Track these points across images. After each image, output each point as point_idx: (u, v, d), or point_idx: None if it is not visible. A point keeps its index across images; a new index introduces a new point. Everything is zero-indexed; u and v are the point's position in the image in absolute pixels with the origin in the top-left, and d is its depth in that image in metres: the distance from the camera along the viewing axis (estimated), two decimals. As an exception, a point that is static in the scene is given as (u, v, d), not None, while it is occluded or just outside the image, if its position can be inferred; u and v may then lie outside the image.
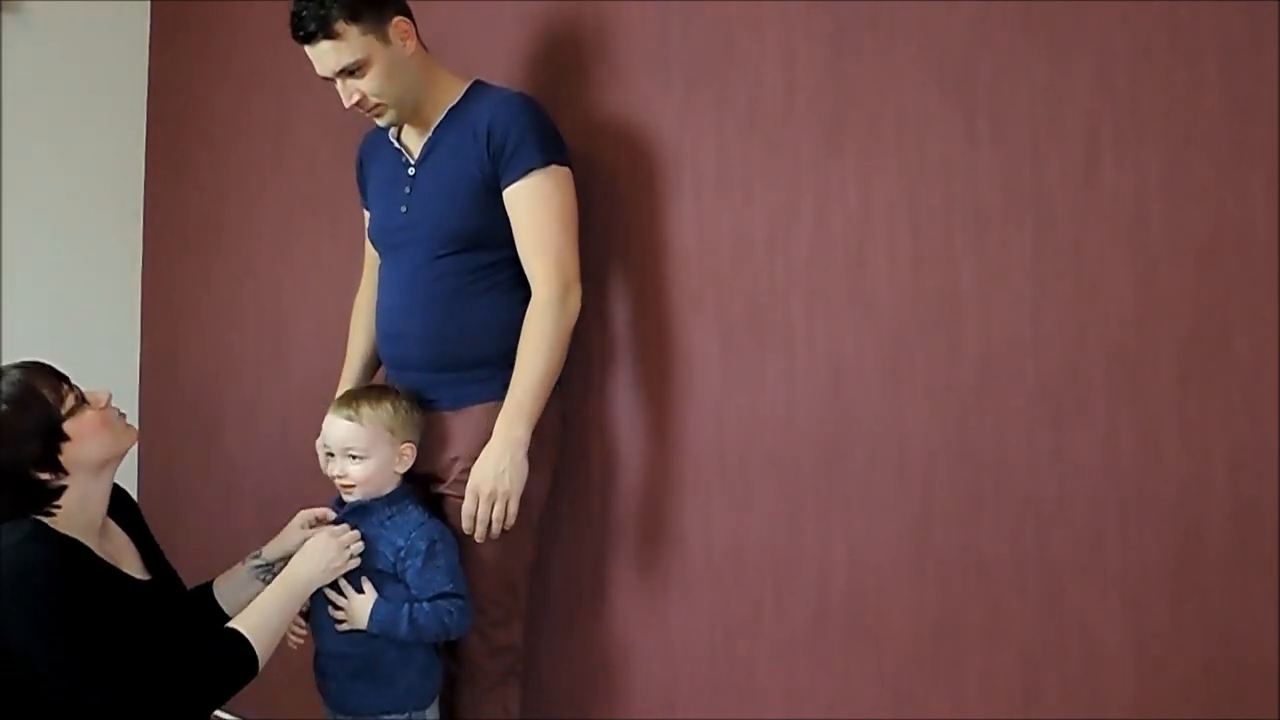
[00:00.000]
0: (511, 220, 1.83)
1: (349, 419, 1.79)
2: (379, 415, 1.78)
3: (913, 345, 1.64)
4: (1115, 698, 1.46)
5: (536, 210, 1.82)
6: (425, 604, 1.75)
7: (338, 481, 1.81)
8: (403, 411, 1.81)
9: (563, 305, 1.81)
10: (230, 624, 1.67)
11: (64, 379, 1.65)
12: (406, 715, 1.80)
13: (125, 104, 3.07)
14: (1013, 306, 1.54)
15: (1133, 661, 1.44)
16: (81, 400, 1.65)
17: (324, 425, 1.83)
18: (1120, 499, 1.45)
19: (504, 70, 2.11)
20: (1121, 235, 1.45)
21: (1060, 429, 1.50)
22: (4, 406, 1.58)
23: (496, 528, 1.76)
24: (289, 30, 1.82)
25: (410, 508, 1.81)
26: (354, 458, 1.78)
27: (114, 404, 1.71)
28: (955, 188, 1.60)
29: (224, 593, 1.86)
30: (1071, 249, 1.49)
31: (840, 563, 1.71)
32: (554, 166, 1.83)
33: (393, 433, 1.79)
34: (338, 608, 1.78)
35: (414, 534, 1.77)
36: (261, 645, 1.65)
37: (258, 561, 1.88)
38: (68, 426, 1.61)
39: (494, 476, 1.75)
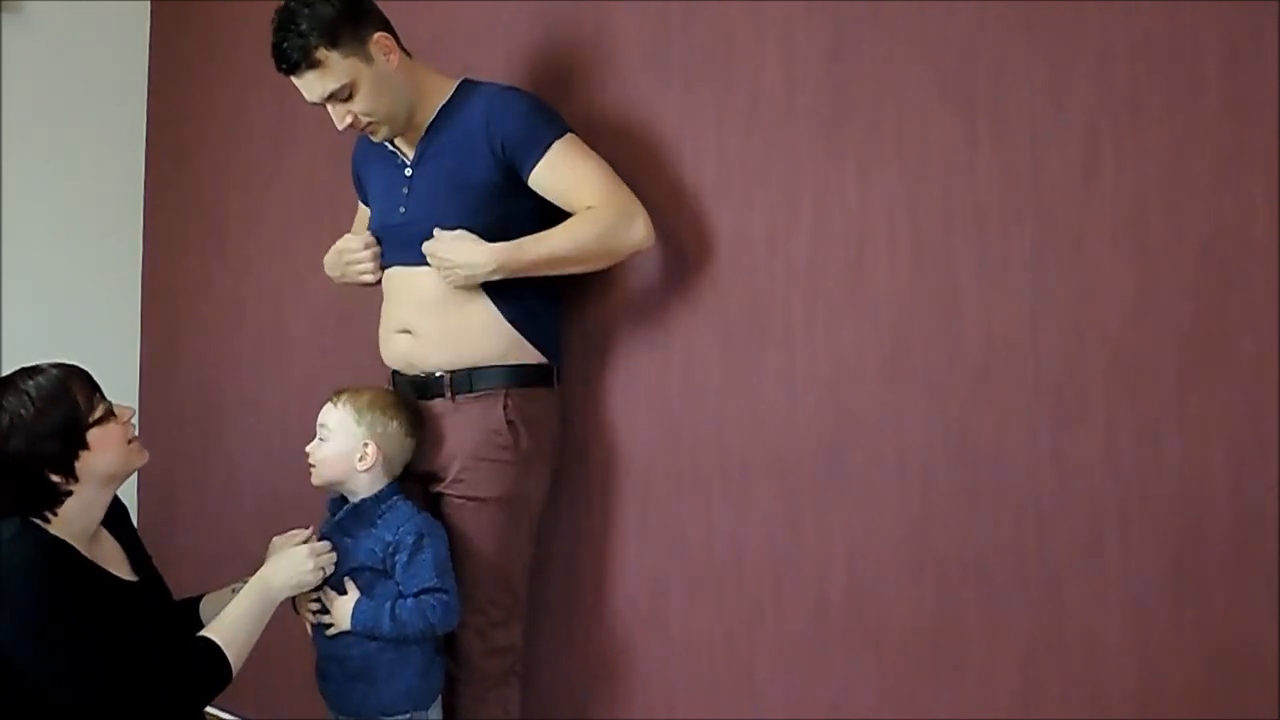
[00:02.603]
0: (552, 196, 1.83)
1: (331, 402, 1.84)
2: (352, 405, 1.82)
3: (913, 345, 1.64)
4: (1115, 698, 1.46)
5: (575, 169, 1.82)
6: (409, 600, 1.76)
7: (308, 460, 1.83)
8: (375, 411, 1.81)
9: (616, 222, 1.79)
10: (203, 633, 1.67)
11: (97, 387, 1.67)
12: (408, 716, 1.80)
13: (125, 104, 3.07)
14: (1013, 306, 1.54)
15: (1133, 661, 1.44)
16: (109, 412, 1.66)
17: None
18: (1120, 499, 1.45)
19: (504, 70, 2.11)
20: (1121, 235, 1.45)
21: (1060, 429, 1.50)
22: (37, 402, 1.59)
23: (428, 252, 1.81)
24: (275, 66, 1.81)
25: (400, 504, 1.82)
26: (321, 438, 1.82)
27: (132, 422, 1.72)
28: (955, 188, 1.60)
29: (208, 612, 1.84)
30: (1071, 249, 1.49)
31: (840, 563, 1.71)
32: (567, 135, 1.84)
33: (357, 424, 1.80)
34: (325, 611, 1.79)
35: (402, 528, 1.78)
36: (234, 654, 1.65)
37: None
38: (90, 435, 1.62)
39: (453, 250, 1.78)
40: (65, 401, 1.61)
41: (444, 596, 1.77)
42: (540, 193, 1.83)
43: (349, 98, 1.81)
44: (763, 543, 1.79)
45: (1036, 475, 1.52)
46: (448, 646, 1.90)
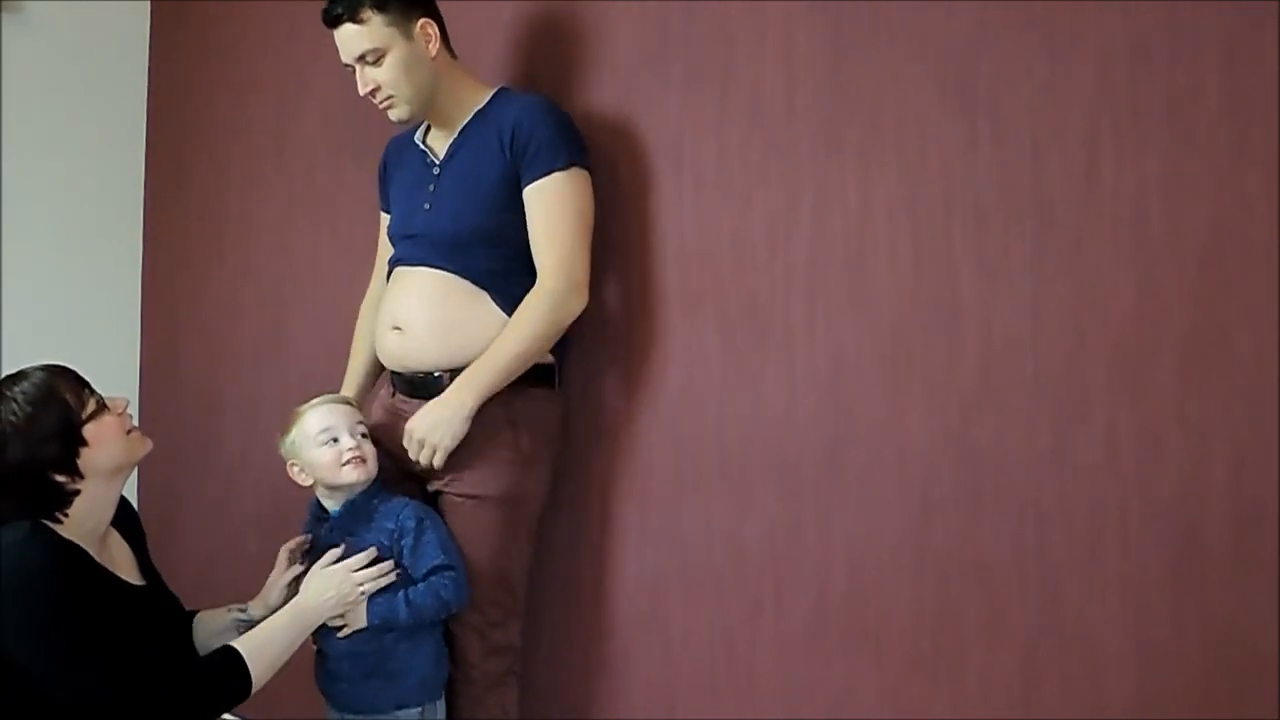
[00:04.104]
0: (528, 217, 1.86)
1: (348, 401, 1.90)
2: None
3: (913, 345, 1.64)
4: (1115, 698, 1.46)
5: (553, 209, 1.84)
6: (420, 584, 1.78)
7: (350, 455, 1.80)
8: None
9: (563, 299, 1.83)
10: (232, 643, 1.67)
11: (85, 384, 1.67)
12: (420, 708, 1.81)
13: (125, 104, 3.07)
14: (1013, 306, 1.54)
15: (1133, 661, 1.44)
16: (101, 406, 1.66)
17: (317, 416, 1.84)
18: (1120, 499, 1.45)
19: (504, 69, 2.11)
20: (1121, 235, 1.45)
21: (1060, 429, 1.50)
22: (27, 407, 1.59)
23: (425, 464, 1.82)
24: (322, 16, 1.88)
25: (388, 495, 1.85)
26: (366, 435, 1.85)
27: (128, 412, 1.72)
28: (955, 188, 1.60)
29: (201, 630, 1.84)
30: (1071, 249, 1.49)
31: (840, 563, 1.71)
32: (575, 169, 1.85)
33: None
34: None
35: (402, 514, 1.81)
36: (258, 670, 1.65)
37: (243, 616, 1.86)
38: (87, 431, 1.62)
39: (428, 427, 1.80)
40: (56, 402, 1.61)
41: (452, 573, 1.80)
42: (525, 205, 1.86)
43: (378, 65, 1.86)
44: (763, 543, 1.79)
45: (1036, 475, 1.52)
46: (446, 646, 1.90)
